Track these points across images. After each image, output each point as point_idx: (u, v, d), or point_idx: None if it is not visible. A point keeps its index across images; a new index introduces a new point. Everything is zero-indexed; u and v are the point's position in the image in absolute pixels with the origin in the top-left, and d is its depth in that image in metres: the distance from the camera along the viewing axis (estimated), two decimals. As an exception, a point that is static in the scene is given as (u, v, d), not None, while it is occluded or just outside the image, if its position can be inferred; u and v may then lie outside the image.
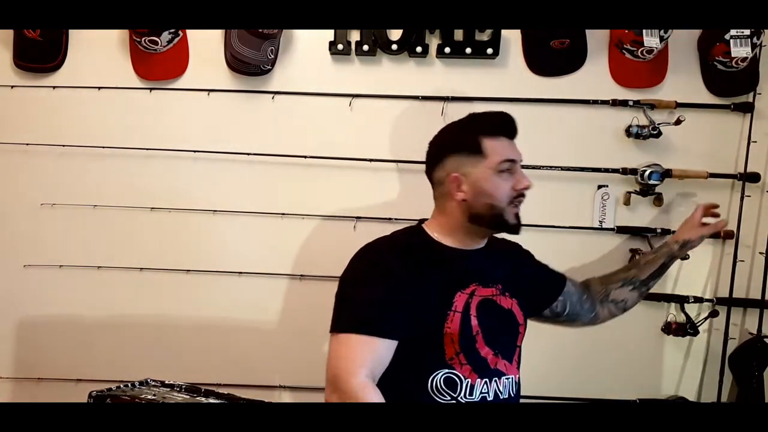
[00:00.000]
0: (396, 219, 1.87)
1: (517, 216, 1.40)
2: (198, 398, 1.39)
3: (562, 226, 1.94)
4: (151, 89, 1.96)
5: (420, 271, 1.34)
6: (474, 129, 1.41)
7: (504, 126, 1.42)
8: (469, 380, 1.32)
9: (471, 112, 1.47)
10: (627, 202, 1.93)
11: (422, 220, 1.47)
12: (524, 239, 1.93)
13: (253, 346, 1.99)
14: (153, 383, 1.47)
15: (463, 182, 1.39)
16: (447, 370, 1.32)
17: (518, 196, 1.39)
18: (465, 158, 1.39)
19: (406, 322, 1.29)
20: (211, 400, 1.37)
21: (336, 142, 1.94)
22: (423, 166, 1.49)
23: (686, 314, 1.91)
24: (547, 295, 1.57)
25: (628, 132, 1.90)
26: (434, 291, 1.34)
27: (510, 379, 1.39)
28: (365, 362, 1.24)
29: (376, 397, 1.20)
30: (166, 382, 1.48)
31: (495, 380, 1.35)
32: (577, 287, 1.62)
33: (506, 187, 1.38)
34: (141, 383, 1.46)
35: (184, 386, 1.46)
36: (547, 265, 1.61)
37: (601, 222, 1.95)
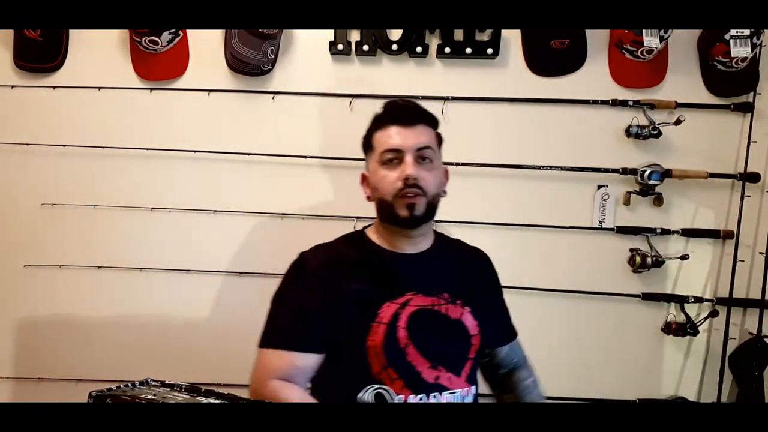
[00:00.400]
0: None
1: (410, 207, 1.27)
2: (198, 398, 1.38)
3: (562, 226, 1.94)
4: (151, 89, 1.96)
5: (347, 281, 1.29)
6: (370, 125, 1.38)
7: (390, 114, 1.34)
8: (402, 396, 1.25)
9: None
10: (627, 202, 1.93)
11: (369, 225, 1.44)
12: (524, 239, 1.94)
13: (253, 346, 1.97)
14: (153, 383, 1.47)
15: (368, 180, 1.38)
16: (377, 386, 1.25)
17: (405, 188, 1.27)
18: (367, 156, 1.39)
19: (327, 335, 1.26)
20: (211, 400, 1.37)
21: (336, 142, 1.94)
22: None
23: (686, 314, 1.91)
24: (491, 335, 1.39)
25: (627, 132, 1.90)
26: (359, 302, 1.27)
27: (456, 394, 1.29)
28: (277, 374, 1.23)
29: (296, 392, 1.18)
30: (166, 382, 1.48)
31: (434, 395, 1.27)
32: (513, 357, 1.46)
33: (391, 178, 1.29)
34: (141, 383, 1.45)
35: (184, 386, 1.45)
36: (509, 312, 1.49)
37: (600, 222, 1.95)
